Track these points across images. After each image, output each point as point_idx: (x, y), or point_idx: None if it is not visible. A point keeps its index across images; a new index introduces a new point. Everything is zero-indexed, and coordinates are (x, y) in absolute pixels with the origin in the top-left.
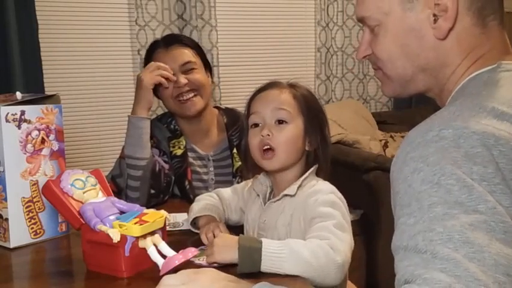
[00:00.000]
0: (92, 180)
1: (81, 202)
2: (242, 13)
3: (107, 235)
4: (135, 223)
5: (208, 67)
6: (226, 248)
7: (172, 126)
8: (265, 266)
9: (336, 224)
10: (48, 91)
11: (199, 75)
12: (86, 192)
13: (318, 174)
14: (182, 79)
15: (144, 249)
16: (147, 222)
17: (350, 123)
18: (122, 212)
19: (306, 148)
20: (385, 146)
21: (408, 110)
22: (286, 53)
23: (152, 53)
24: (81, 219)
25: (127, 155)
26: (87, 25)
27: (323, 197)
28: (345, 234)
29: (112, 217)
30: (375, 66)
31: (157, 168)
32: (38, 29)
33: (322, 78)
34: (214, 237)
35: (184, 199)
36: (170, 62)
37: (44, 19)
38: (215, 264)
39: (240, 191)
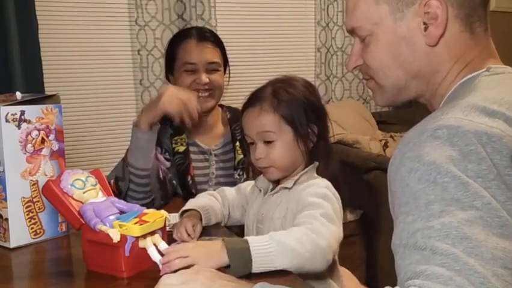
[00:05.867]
0: (92, 180)
1: (81, 202)
2: (242, 13)
3: (107, 235)
4: (135, 223)
5: (226, 67)
6: (211, 254)
7: (174, 124)
8: (257, 264)
9: (323, 213)
10: (48, 91)
11: (220, 77)
12: (86, 192)
13: (318, 172)
14: (204, 78)
15: (144, 249)
16: (147, 222)
17: (350, 123)
18: (122, 212)
19: (301, 147)
20: (385, 146)
21: (408, 110)
22: (286, 53)
23: (181, 40)
24: (81, 219)
25: (129, 163)
26: (87, 25)
27: (316, 189)
28: (331, 225)
29: (112, 217)
30: (367, 76)
31: (161, 176)
32: (38, 29)
33: (322, 78)
34: (187, 233)
35: (186, 196)
36: (198, 57)
37: (44, 19)
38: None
39: (243, 190)
